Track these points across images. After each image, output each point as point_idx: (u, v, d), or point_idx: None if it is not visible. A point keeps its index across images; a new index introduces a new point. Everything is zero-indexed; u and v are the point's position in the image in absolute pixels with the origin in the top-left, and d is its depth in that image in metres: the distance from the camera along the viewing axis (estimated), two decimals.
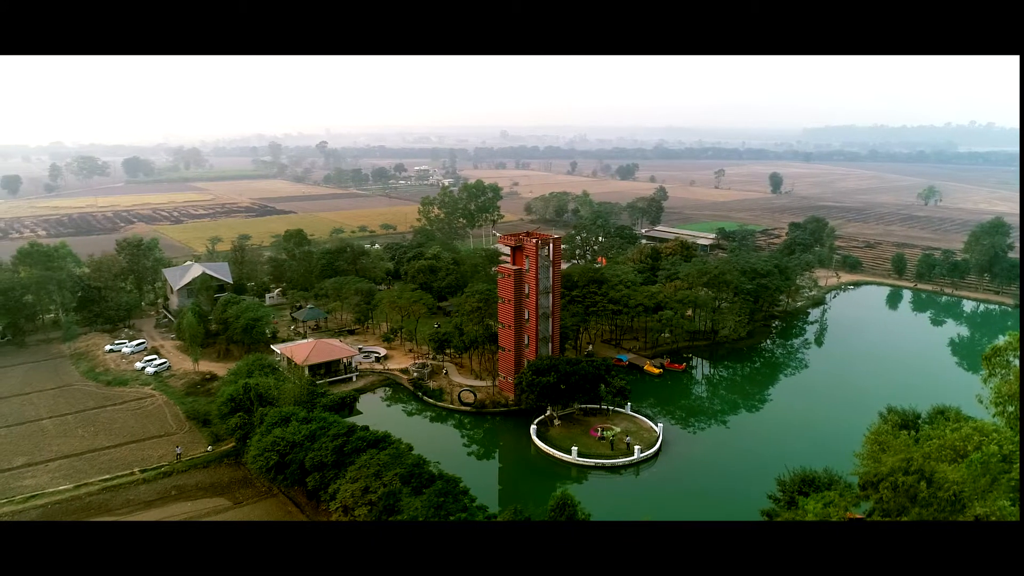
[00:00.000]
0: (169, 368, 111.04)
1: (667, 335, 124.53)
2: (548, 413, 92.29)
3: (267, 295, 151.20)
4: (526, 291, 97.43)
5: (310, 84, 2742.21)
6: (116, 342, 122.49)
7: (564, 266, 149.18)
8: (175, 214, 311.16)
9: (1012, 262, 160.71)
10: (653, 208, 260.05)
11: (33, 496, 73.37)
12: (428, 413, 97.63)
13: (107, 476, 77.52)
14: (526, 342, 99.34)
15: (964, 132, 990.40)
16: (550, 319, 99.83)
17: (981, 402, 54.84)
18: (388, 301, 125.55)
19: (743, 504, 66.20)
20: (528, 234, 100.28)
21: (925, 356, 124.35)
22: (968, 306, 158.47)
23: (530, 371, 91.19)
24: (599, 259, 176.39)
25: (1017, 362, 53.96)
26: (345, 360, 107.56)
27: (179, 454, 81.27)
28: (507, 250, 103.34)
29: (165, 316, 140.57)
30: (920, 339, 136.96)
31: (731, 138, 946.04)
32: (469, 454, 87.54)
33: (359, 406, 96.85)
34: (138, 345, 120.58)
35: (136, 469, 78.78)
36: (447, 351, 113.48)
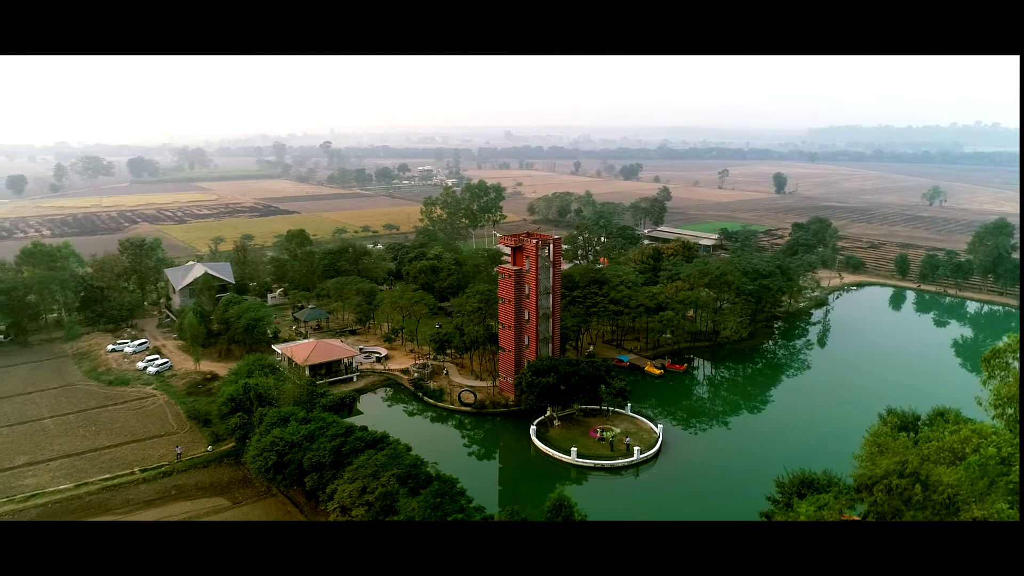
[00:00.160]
0: (171, 368, 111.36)
1: (668, 336, 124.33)
2: (548, 414, 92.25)
3: (269, 295, 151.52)
4: (526, 292, 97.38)
5: (315, 84, 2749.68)
6: (118, 342, 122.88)
7: (566, 266, 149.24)
8: (179, 214, 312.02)
9: (1016, 263, 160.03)
10: (656, 208, 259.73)
11: (34, 495, 73.66)
12: (428, 413, 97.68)
13: (107, 475, 77.77)
14: (526, 343, 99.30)
15: (970, 132, 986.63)
16: (550, 320, 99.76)
17: (980, 404, 54.58)
18: (389, 301, 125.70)
19: (742, 505, 66.11)
20: (528, 235, 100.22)
21: (928, 357, 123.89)
22: (972, 307, 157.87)
23: (530, 372, 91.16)
24: (601, 259, 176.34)
25: (1016, 364, 53.68)
26: (346, 360, 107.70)
27: (179, 454, 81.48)
28: (509, 250, 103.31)
29: (167, 316, 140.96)
30: (923, 340, 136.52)
31: (735, 138, 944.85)
32: (469, 454, 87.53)
33: (360, 406, 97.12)
34: (140, 345, 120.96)
35: (136, 468, 79.02)
36: (448, 351, 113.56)
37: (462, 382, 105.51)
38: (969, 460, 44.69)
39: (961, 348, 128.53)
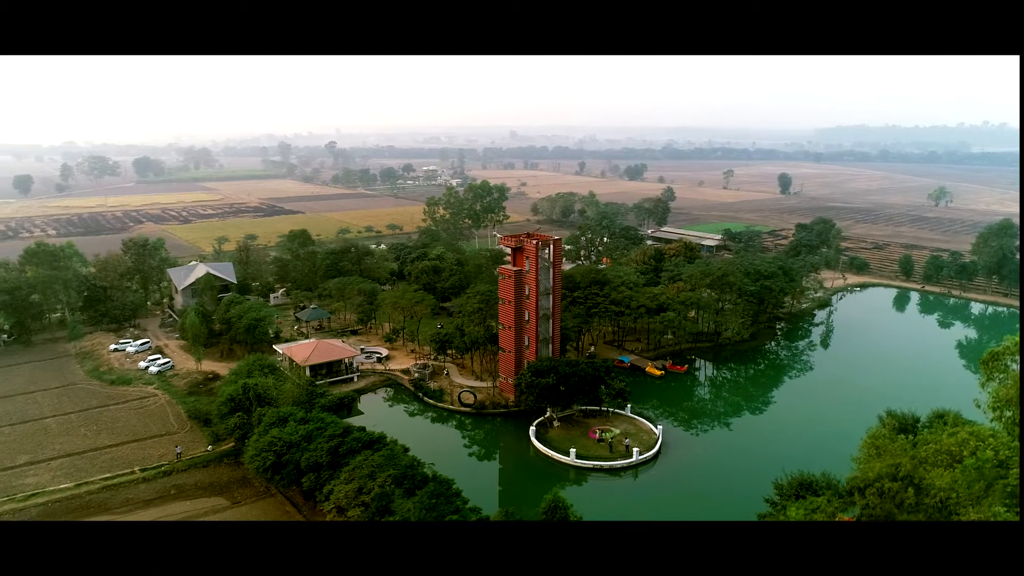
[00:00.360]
0: (172, 367, 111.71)
1: (670, 337, 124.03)
2: (548, 415, 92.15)
3: (271, 295, 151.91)
4: (526, 292, 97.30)
5: (321, 84, 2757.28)
6: (121, 341, 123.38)
7: (568, 267, 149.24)
8: (184, 214, 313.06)
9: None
10: (659, 209, 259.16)
11: (34, 494, 74.02)
12: (428, 414, 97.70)
13: (108, 475, 78.08)
14: (526, 343, 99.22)
15: (977, 132, 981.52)
16: (550, 320, 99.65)
17: (979, 407, 54.28)
18: (390, 302, 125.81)
19: (741, 507, 65.79)
20: (528, 235, 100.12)
21: (931, 358, 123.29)
22: (976, 308, 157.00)
23: (529, 372, 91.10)
24: (604, 260, 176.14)
25: (1015, 366, 53.32)
26: (347, 360, 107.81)
27: (179, 453, 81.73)
28: (510, 251, 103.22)
29: (170, 316, 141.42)
30: (926, 341, 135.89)
31: (741, 138, 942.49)
32: (469, 455, 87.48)
33: (360, 406, 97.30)
34: (142, 344, 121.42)
35: (136, 468, 79.30)
36: (449, 352, 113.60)
37: (462, 382, 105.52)
38: (966, 463, 44.44)
39: (965, 349, 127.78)
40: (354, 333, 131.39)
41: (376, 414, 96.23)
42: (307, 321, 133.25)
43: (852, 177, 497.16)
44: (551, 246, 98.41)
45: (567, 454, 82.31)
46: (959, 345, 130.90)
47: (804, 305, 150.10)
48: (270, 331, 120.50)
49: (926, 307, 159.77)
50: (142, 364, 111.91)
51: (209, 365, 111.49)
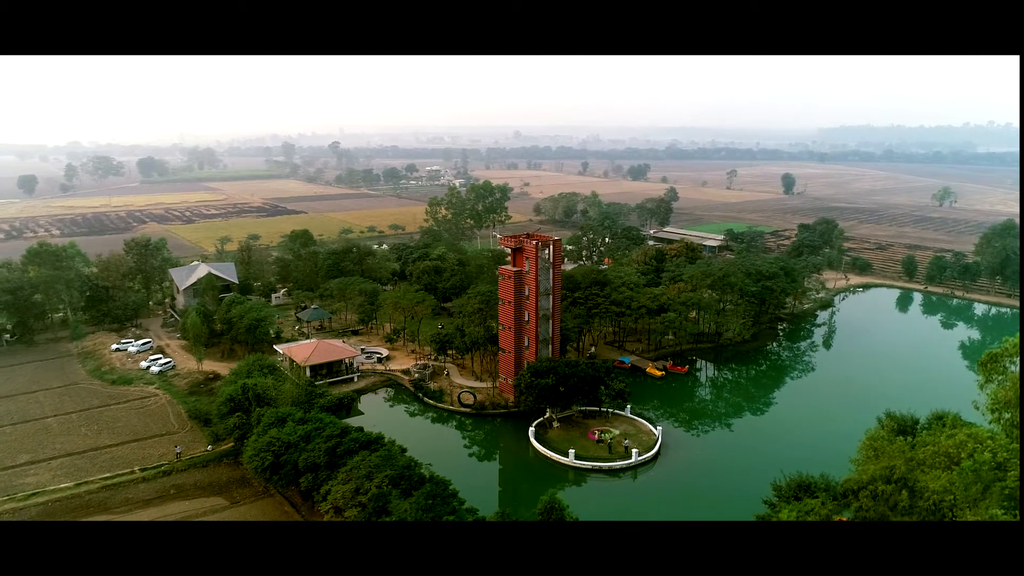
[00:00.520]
0: (174, 367, 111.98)
1: (670, 337, 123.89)
2: (547, 415, 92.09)
3: (273, 295, 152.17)
4: (526, 293, 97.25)
5: (325, 84, 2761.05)
6: (122, 341, 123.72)
7: (570, 267, 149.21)
8: (187, 214, 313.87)
9: None
10: (662, 209, 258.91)
11: (34, 493, 74.26)
12: (428, 414, 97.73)
13: (108, 474, 78.29)
14: (526, 344, 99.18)
15: (983, 132, 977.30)
16: (550, 321, 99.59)
17: (977, 408, 54.03)
18: (391, 302, 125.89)
19: (741, 508, 65.58)
20: (528, 236, 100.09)
21: (933, 359, 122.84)
22: (979, 309, 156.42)
23: (529, 373, 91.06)
24: (605, 260, 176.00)
25: (1014, 368, 53.04)
26: (347, 361, 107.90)
27: (179, 453, 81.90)
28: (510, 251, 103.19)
29: (171, 316, 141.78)
30: (929, 342, 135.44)
31: (746, 139, 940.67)
32: (469, 456, 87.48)
33: (360, 407, 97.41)
34: (144, 344, 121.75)
35: (136, 468, 79.50)
36: (449, 352, 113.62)
37: (463, 383, 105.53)
38: (963, 465, 44.23)
39: (967, 350, 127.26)
40: (355, 333, 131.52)
41: (376, 414, 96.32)
42: (308, 321, 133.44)
43: (856, 177, 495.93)
44: (551, 247, 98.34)
45: (566, 455, 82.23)
46: (961, 346, 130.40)
47: (806, 306, 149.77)
48: (271, 331, 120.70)
49: (929, 308, 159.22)
50: (143, 364, 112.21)
51: (210, 365, 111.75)
